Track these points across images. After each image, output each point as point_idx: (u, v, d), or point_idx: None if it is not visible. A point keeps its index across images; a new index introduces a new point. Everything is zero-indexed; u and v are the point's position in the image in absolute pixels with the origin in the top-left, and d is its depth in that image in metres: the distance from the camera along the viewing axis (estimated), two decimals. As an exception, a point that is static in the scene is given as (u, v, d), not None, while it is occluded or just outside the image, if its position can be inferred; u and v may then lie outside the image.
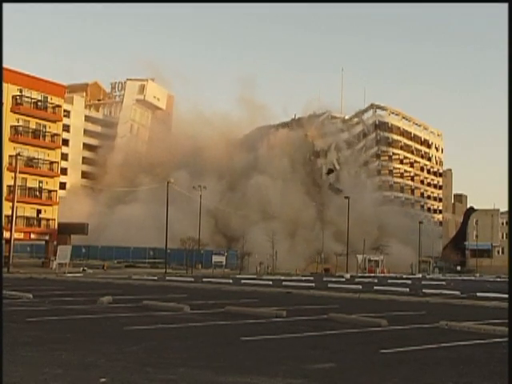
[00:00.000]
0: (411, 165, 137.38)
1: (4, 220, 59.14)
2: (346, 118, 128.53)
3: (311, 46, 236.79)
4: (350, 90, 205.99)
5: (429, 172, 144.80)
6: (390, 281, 56.00)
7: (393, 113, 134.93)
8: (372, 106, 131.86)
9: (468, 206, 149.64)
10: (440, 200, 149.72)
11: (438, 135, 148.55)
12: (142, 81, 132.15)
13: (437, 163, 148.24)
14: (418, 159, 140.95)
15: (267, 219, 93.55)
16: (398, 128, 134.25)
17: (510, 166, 16.80)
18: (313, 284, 43.78)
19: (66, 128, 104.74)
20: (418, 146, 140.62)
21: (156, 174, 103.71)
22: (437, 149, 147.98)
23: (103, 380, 10.06)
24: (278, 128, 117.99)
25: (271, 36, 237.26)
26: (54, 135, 70.88)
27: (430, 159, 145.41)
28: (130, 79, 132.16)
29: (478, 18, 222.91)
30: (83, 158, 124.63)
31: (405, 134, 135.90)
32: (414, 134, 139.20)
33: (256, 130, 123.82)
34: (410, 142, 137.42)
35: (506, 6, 15.79)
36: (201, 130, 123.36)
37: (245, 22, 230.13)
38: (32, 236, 69.73)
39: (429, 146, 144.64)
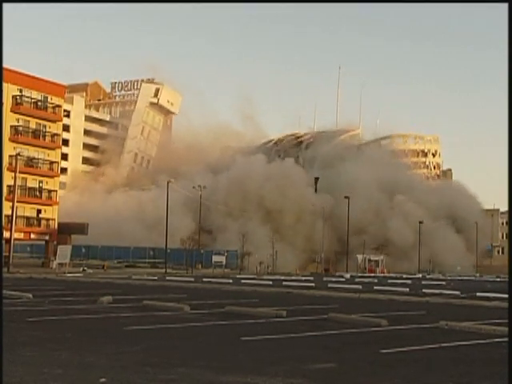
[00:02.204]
0: None
1: (4, 220, 59.09)
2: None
3: (304, 46, 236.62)
4: (345, 91, 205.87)
5: (427, 178, 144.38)
6: (390, 281, 55.97)
7: (383, 139, 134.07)
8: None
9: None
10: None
11: (434, 140, 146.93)
12: (157, 84, 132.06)
13: (434, 168, 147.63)
14: (415, 171, 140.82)
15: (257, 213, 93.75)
16: (392, 151, 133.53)
17: (510, 166, 16.81)
18: (313, 284, 43.76)
19: (66, 128, 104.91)
20: (414, 159, 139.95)
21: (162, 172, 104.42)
22: (433, 154, 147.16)
23: (103, 380, 10.06)
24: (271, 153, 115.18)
25: (269, 38, 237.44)
26: (53, 135, 70.87)
27: (427, 167, 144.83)
28: (145, 81, 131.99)
29: (478, 18, 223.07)
30: (84, 158, 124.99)
31: (399, 154, 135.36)
32: (408, 150, 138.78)
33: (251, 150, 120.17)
34: (404, 160, 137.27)
35: (506, 6, 15.80)
36: (200, 133, 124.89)
37: (244, 23, 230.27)
38: (32, 236, 69.70)
39: (425, 155, 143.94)
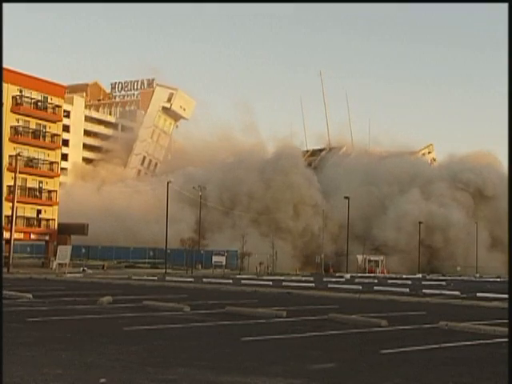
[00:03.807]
0: None
1: (4, 220, 59.11)
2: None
3: (290, 47, 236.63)
4: (331, 96, 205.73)
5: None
6: (390, 281, 55.98)
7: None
8: None
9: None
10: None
11: (429, 152, 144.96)
12: (171, 89, 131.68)
13: None
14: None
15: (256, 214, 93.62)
16: None
17: (509, 166, 16.84)
18: (313, 284, 43.77)
19: (66, 128, 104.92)
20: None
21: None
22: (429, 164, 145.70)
23: (103, 380, 10.06)
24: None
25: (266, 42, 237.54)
26: (53, 135, 70.87)
27: None
28: (160, 85, 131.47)
29: (478, 18, 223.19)
30: (84, 158, 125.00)
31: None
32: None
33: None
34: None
35: (506, 6, 15.81)
36: (200, 136, 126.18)
37: (242, 24, 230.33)
38: (32, 236, 69.68)
39: None
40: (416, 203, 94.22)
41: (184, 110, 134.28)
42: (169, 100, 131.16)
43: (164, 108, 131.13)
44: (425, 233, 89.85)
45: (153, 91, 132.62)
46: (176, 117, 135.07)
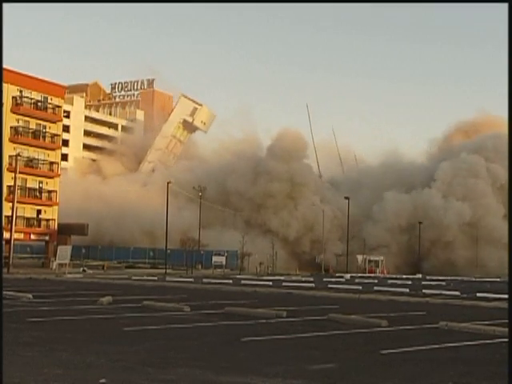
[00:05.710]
0: None
1: (4, 220, 59.09)
2: None
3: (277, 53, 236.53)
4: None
5: None
6: (390, 281, 55.96)
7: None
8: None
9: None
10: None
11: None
12: (197, 104, 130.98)
13: None
14: None
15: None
16: None
17: (509, 166, 16.85)
18: (313, 284, 43.76)
19: (66, 128, 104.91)
20: None
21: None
22: None
23: (103, 380, 10.06)
24: None
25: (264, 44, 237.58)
26: (53, 136, 70.86)
27: None
28: (185, 96, 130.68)
29: (478, 18, 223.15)
30: (84, 157, 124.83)
31: None
32: None
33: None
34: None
35: (506, 6, 15.83)
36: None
37: (240, 26, 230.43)
38: (32, 236, 69.65)
39: None
40: (401, 202, 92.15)
41: (204, 124, 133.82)
42: (192, 114, 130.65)
43: (185, 121, 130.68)
44: (418, 230, 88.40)
45: (152, 94, 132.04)
46: (194, 129, 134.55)
